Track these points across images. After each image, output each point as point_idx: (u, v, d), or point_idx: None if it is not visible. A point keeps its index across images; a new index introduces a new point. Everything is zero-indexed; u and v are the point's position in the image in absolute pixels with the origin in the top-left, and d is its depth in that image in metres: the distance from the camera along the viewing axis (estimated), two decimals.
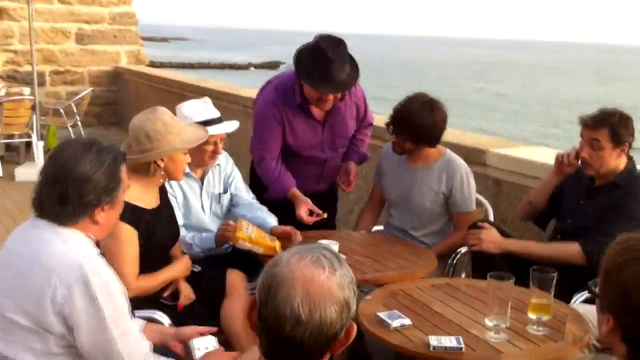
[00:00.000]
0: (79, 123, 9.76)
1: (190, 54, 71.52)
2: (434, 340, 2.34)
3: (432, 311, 2.66)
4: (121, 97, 11.77)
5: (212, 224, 3.52)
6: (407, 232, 3.74)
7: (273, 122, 3.69)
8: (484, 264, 3.31)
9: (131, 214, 2.78)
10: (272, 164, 3.75)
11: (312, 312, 1.40)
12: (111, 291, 2.04)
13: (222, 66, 59.38)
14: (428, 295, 2.81)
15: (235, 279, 3.19)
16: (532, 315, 2.50)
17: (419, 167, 3.71)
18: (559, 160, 3.46)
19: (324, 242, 3.08)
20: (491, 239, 3.31)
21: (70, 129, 9.63)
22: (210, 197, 3.56)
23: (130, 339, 2.08)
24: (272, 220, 3.52)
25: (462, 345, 2.31)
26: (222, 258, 3.47)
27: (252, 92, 8.44)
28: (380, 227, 4.04)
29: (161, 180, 3.01)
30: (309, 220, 3.56)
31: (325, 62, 3.48)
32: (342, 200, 4.66)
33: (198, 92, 8.94)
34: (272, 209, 3.65)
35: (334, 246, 3.09)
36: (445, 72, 54.36)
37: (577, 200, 3.42)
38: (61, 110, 9.74)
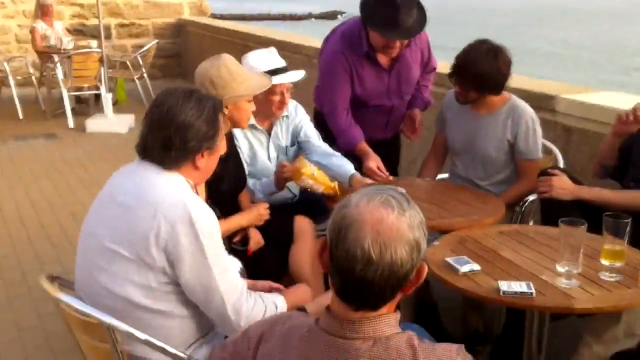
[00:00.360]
0: (145, 75, 9.91)
1: (250, 5, 71.30)
2: (503, 285, 2.33)
3: (501, 257, 2.65)
4: (185, 49, 11.88)
5: None
6: (472, 181, 3.71)
7: (342, 72, 3.67)
8: (554, 212, 3.23)
9: None
10: (344, 114, 3.74)
11: (382, 253, 1.42)
12: (212, 231, 2.12)
13: (283, 17, 59.03)
14: (496, 242, 2.80)
15: (302, 224, 3.23)
16: (605, 262, 2.46)
17: (484, 114, 3.65)
18: (622, 120, 3.34)
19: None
20: (563, 186, 3.21)
21: (137, 81, 9.79)
22: (277, 149, 3.57)
23: (229, 277, 2.15)
24: (350, 168, 3.47)
25: (533, 290, 2.30)
26: (289, 206, 3.52)
27: (315, 42, 8.42)
28: (445, 176, 4.03)
29: (227, 127, 3.05)
30: (378, 175, 3.52)
31: (392, 7, 3.44)
32: (404, 148, 4.65)
33: (261, 42, 8.96)
34: None
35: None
36: (508, 20, 52.93)
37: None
38: (128, 63, 9.89)
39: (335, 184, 3.26)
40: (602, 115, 4.29)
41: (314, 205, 3.42)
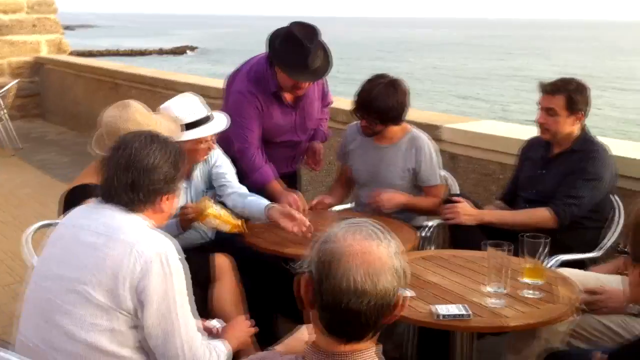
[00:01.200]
0: (6, 116, 9.40)
1: (101, 41, 69.57)
2: (441, 309, 2.41)
3: (430, 282, 2.74)
4: (44, 88, 11.39)
5: None
6: (377, 209, 3.80)
7: (252, 110, 3.72)
8: (461, 236, 3.44)
9: None
10: (256, 152, 3.77)
11: (373, 283, 1.47)
12: (182, 274, 2.15)
13: (131, 53, 57.94)
14: (421, 268, 2.89)
15: (222, 262, 3.18)
16: (527, 280, 2.62)
17: (386, 145, 3.80)
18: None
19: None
20: (467, 212, 3.44)
21: None
22: (196, 195, 3.48)
23: (189, 323, 2.16)
24: (264, 201, 3.39)
25: (470, 312, 2.40)
26: (204, 247, 3.45)
27: (185, 77, 8.38)
28: (348, 206, 4.13)
29: None
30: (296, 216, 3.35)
31: (301, 50, 3.53)
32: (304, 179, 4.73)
33: (129, 79, 8.80)
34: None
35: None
36: (350, 52, 54.95)
37: (535, 170, 3.59)
38: None
39: (241, 222, 3.23)
40: (485, 143, 4.57)
41: (231, 242, 3.37)
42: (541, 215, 3.36)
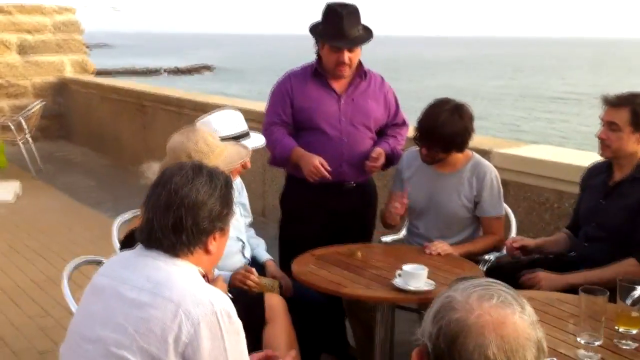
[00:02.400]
0: (29, 138, 9.26)
1: (118, 60, 69.99)
2: None
3: None
4: (69, 109, 11.27)
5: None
6: (433, 241, 3.56)
7: (279, 89, 3.74)
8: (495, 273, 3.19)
9: None
10: (275, 128, 3.70)
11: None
12: (239, 332, 1.89)
13: (149, 72, 58.26)
14: None
15: (275, 304, 2.98)
16: (621, 329, 2.37)
17: (447, 172, 3.58)
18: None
19: (408, 267, 2.88)
20: (550, 278, 3.09)
21: (21, 144, 9.12)
22: None
23: None
24: (264, 253, 3.52)
25: None
26: None
27: (214, 98, 8.19)
28: (395, 237, 3.91)
29: None
30: (324, 174, 3.53)
31: (337, 18, 3.54)
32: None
33: (157, 100, 8.65)
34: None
35: (422, 271, 2.89)
36: None
37: (595, 200, 3.29)
38: (10, 125, 9.21)
39: (275, 284, 3.15)
40: (539, 169, 4.34)
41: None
42: (629, 268, 2.99)
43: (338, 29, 3.54)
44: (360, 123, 3.72)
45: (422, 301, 2.97)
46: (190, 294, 1.85)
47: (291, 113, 3.70)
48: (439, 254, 3.33)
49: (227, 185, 2.04)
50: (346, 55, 3.57)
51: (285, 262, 3.48)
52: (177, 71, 61.46)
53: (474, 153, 3.64)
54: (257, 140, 3.30)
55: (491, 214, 3.57)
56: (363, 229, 3.86)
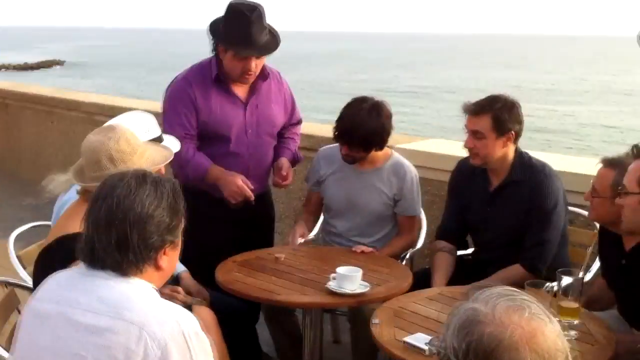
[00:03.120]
0: None
1: None
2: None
3: None
4: None
5: None
6: (352, 240, 3.55)
7: (184, 97, 3.41)
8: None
9: None
10: (186, 144, 3.35)
11: None
12: (207, 351, 1.74)
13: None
14: (433, 310, 2.65)
15: (205, 317, 2.81)
16: (563, 320, 2.42)
17: (367, 170, 3.55)
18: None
19: (342, 269, 2.82)
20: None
21: None
22: None
23: None
24: (180, 266, 3.17)
25: None
26: None
27: (89, 96, 7.72)
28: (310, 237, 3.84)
29: None
30: (248, 194, 3.36)
31: (245, 24, 3.28)
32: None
33: (21, 99, 8.07)
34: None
35: (357, 273, 2.82)
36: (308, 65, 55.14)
37: (482, 208, 3.29)
38: None
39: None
40: (436, 163, 4.36)
41: None
42: (516, 273, 3.04)
43: (245, 35, 3.28)
44: (265, 133, 3.59)
45: (359, 304, 2.93)
46: (152, 314, 1.69)
47: (196, 125, 3.44)
48: (362, 252, 3.30)
49: (175, 193, 1.85)
50: (253, 63, 3.36)
51: (195, 274, 3.24)
52: (26, 67, 58.34)
53: (393, 151, 3.63)
54: (173, 143, 3.10)
55: (408, 213, 3.58)
56: (264, 237, 3.73)
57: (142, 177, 1.82)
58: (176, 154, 3.20)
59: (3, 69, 53.94)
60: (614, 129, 27.66)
